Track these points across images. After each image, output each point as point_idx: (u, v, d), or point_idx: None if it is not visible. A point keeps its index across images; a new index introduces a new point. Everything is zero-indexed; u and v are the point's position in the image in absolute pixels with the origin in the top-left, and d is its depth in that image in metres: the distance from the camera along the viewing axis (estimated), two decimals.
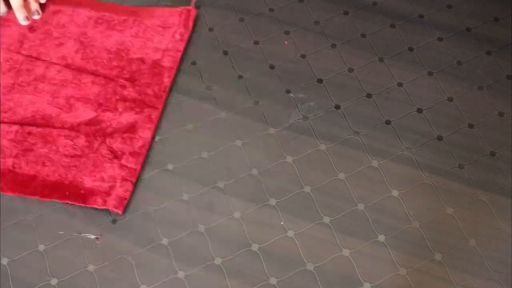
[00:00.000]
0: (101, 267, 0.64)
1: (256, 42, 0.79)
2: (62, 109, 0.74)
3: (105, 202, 0.67)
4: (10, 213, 0.67)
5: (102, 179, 0.69)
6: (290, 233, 0.65)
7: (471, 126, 0.72)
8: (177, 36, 0.79)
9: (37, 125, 0.72)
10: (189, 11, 0.80)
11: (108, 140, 0.71)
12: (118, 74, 0.76)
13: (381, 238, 0.65)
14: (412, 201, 0.67)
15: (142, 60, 0.77)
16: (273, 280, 0.63)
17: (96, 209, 0.67)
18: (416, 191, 0.68)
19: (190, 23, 0.80)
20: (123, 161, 0.70)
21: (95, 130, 0.72)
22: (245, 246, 0.65)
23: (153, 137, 0.72)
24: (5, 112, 0.73)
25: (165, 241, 0.65)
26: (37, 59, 0.77)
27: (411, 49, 0.78)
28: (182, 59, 0.78)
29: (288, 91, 0.75)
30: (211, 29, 0.80)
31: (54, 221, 0.67)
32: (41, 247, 0.65)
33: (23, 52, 0.78)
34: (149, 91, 0.74)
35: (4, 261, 0.64)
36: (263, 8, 0.82)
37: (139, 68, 0.77)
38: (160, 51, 0.78)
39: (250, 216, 0.67)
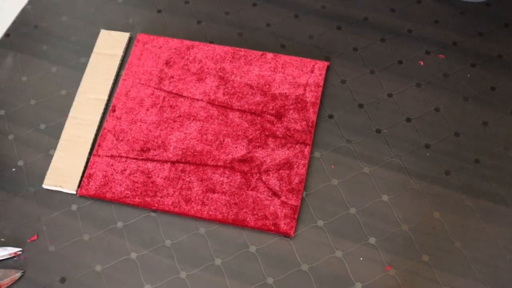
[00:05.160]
0: (108, 267, 0.66)
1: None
2: (211, 145, 0.71)
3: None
4: (22, 217, 0.70)
5: (265, 217, 0.67)
6: None
7: (456, 134, 0.75)
8: (316, 71, 0.77)
9: (189, 163, 0.71)
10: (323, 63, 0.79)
11: (264, 177, 0.70)
12: (263, 109, 0.75)
13: (372, 240, 0.67)
14: (401, 205, 0.70)
15: (285, 95, 0.75)
16: (269, 280, 0.65)
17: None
18: (405, 196, 0.70)
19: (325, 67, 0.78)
20: (283, 198, 0.68)
21: (249, 167, 0.70)
22: (243, 248, 0.67)
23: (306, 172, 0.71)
24: (154, 150, 0.71)
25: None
26: (179, 95, 0.76)
27: (400, 62, 0.81)
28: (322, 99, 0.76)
29: None
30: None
31: (62, 223, 0.69)
32: (51, 248, 0.67)
33: (164, 88, 0.76)
34: (298, 127, 0.73)
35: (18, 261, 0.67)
36: (260, 24, 0.84)
37: (283, 103, 0.75)
38: (301, 86, 0.76)
39: None
